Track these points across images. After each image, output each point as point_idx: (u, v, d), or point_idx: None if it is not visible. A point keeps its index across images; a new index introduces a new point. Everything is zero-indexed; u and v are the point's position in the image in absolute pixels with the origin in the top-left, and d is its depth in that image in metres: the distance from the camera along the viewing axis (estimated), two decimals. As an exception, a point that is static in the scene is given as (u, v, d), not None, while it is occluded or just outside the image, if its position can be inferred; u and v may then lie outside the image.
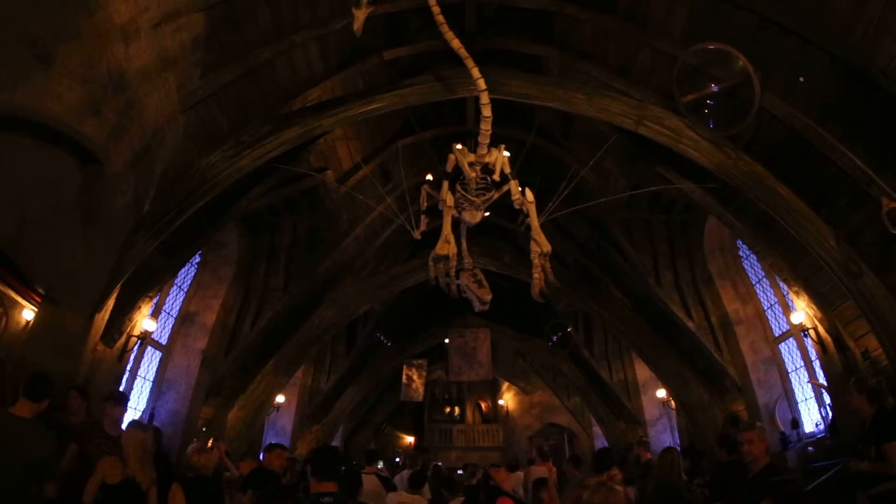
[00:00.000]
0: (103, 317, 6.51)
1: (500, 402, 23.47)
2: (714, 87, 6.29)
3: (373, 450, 8.43)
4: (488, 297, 6.28)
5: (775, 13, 5.49)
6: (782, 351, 9.45)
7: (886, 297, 5.84)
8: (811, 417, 8.70)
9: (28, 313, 5.25)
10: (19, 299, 5.10)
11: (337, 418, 15.78)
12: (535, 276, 6.39)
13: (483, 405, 24.29)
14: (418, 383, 17.56)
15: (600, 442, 16.38)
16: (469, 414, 24.04)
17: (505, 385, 23.04)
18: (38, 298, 5.21)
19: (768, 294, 9.69)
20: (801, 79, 5.64)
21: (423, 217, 7.49)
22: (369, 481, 6.54)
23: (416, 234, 7.29)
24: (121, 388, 8.19)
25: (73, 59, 4.30)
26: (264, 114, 7.37)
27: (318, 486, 3.19)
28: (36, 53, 3.92)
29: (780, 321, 9.39)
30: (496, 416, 23.67)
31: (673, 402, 12.10)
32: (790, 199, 6.42)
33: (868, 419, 4.14)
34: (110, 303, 6.51)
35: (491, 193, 6.21)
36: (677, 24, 6.61)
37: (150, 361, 9.47)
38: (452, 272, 6.72)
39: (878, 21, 4.59)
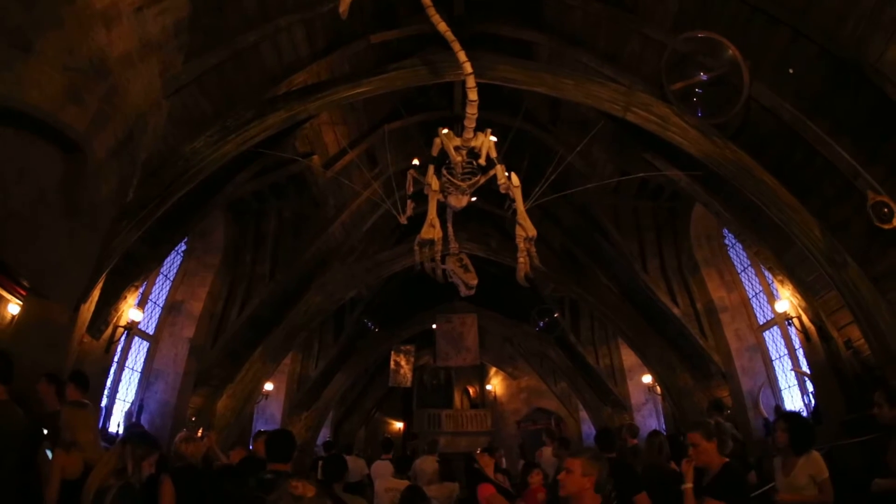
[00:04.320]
0: (89, 308, 6.41)
1: (488, 387, 23.65)
2: (703, 76, 6.28)
3: (388, 439, 9.00)
4: (474, 282, 6.28)
5: (766, 3, 5.48)
6: (766, 339, 9.59)
7: (870, 288, 5.93)
8: (794, 404, 8.86)
9: (13, 307, 5.14)
10: (4, 293, 4.99)
11: (326, 405, 15.79)
12: (521, 260, 6.43)
13: (471, 390, 24.47)
14: (406, 369, 17.63)
15: (587, 426, 16.59)
16: (457, 399, 24.21)
17: (492, 370, 23.20)
18: (23, 292, 5.09)
19: (753, 282, 9.82)
20: (791, 70, 5.65)
21: (409, 202, 7.46)
22: (384, 467, 7.40)
23: (403, 220, 7.27)
24: (109, 381, 8.17)
25: (53, 47, 4.16)
26: (249, 98, 7.26)
27: (273, 465, 3.54)
28: (14, 41, 3.79)
29: (765, 309, 9.53)
30: (484, 401, 23.86)
31: (658, 388, 12.26)
32: (777, 189, 6.47)
33: (714, 468, 3.57)
34: (96, 293, 6.40)
35: (477, 178, 6.20)
36: (668, 11, 6.59)
37: (138, 352, 9.39)
38: (438, 257, 6.71)
39: (870, 16, 4.60)
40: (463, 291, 6.52)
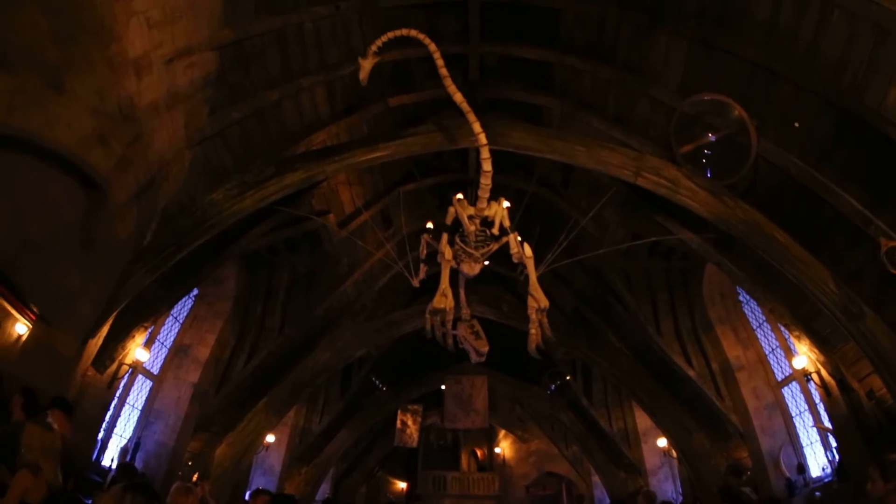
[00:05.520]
0: (96, 343, 6.47)
1: (497, 449, 22.95)
2: (711, 137, 6.43)
3: (392, 501, 8.55)
4: (485, 350, 6.08)
5: (767, 60, 5.66)
6: (785, 395, 9.30)
7: (888, 334, 5.80)
8: (818, 461, 8.48)
9: (21, 327, 5.14)
10: (12, 310, 5.00)
11: (327, 460, 15.39)
12: (532, 331, 6.27)
13: (479, 452, 23.76)
14: (413, 429, 17.23)
15: (599, 491, 15.97)
16: (464, 461, 23.47)
17: (502, 433, 22.59)
18: (32, 316, 5.14)
19: (769, 338, 9.61)
20: (797, 124, 5.75)
21: (422, 265, 7.44)
22: None
23: (415, 283, 7.23)
24: (108, 415, 8.13)
25: (84, 89, 4.40)
26: (269, 155, 7.47)
27: None
28: (48, 80, 4.01)
29: (783, 365, 9.28)
30: (492, 463, 23.10)
31: (674, 451, 11.83)
32: (788, 244, 6.43)
33: None
34: (104, 330, 6.46)
35: (490, 246, 6.19)
36: (674, 73, 6.80)
37: (140, 390, 9.34)
38: (449, 325, 6.63)
39: (868, 62, 4.74)
40: (474, 358, 6.33)
